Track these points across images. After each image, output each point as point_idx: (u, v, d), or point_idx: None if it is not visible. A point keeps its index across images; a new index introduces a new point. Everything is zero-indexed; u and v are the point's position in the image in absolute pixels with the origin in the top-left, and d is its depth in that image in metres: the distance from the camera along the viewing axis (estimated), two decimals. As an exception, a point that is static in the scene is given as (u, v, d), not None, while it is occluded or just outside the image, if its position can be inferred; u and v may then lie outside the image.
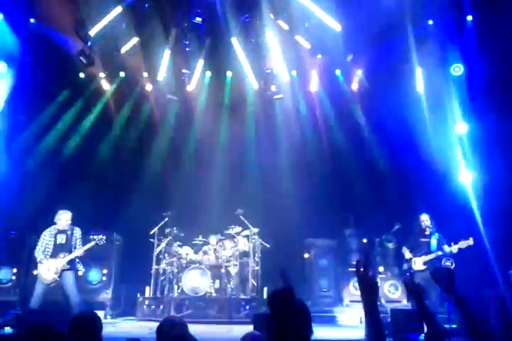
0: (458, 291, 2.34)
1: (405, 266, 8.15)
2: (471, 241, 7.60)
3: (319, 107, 11.16)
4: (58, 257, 7.29)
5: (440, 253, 7.72)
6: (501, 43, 9.00)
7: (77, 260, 7.48)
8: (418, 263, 7.86)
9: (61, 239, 7.44)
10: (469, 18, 9.59)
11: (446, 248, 7.69)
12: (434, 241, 7.84)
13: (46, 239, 7.42)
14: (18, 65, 9.49)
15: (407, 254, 8.01)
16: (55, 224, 7.53)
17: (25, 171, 9.62)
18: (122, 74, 11.21)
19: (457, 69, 9.85)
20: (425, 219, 7.97)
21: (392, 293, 8.71)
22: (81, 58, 9.81)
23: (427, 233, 7.91)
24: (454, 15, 9.32)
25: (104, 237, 7.74)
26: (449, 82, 9.64)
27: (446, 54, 9.77)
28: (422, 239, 7.96)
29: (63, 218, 7.48)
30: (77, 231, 7.56)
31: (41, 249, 7.36)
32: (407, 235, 8.46)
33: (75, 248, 7.44)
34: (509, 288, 7.42)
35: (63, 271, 7.26)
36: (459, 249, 7.62)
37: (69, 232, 7.47)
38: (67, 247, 7.40)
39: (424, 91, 9.68)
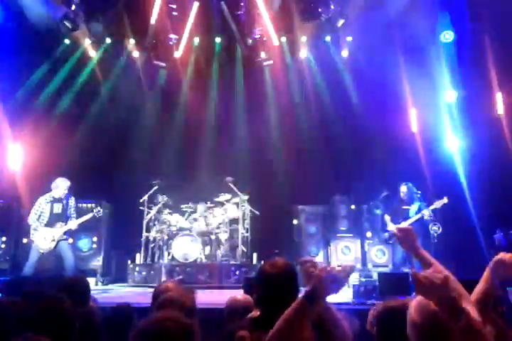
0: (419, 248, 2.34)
1: (386, 235, 8.33)
2: (445, 200, 7.70)
3: (309, 74, 11.03)
4: (55, 227, 7.31)
5: (417, 217, 7.82)
6: (492, 9, 8.91)
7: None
8: None
9: (57, 208, 7.45)
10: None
11: (423, 212, 7.76)
12: (414, 208, 7.95)
13: (42, 207, 7.40)
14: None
15: (390, 225, 8.11)
16: (50, 190, 7.48)
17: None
18: (108, 40, 10.93)
19: (447, 36, 9.78)
20: (403, 190, 8.08)
21: (379, 257, 8.91)
22: (65, 23, 9.53)
23: (407, 201, 8.05)
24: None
25: (101, 210, 7.82)
26: (438, 49, 9.59)
27: (436, 20, 9.67)
28: (404, 207, 8.09)
29: (61, 186, 7.44)
30: (72, 201, 7.61)
31: (35, 216, 7.35)
32: (391, 202, 8.57)
33: (70, 217, 7.47)
34: (493, 253, 7.60)
35: (60, 240, 7.31)
36: (435, 209, 7.74)
37: (64, 201, 7.48)
38: (63, 217, 7.43)
39: (413, 58, 9.58)
